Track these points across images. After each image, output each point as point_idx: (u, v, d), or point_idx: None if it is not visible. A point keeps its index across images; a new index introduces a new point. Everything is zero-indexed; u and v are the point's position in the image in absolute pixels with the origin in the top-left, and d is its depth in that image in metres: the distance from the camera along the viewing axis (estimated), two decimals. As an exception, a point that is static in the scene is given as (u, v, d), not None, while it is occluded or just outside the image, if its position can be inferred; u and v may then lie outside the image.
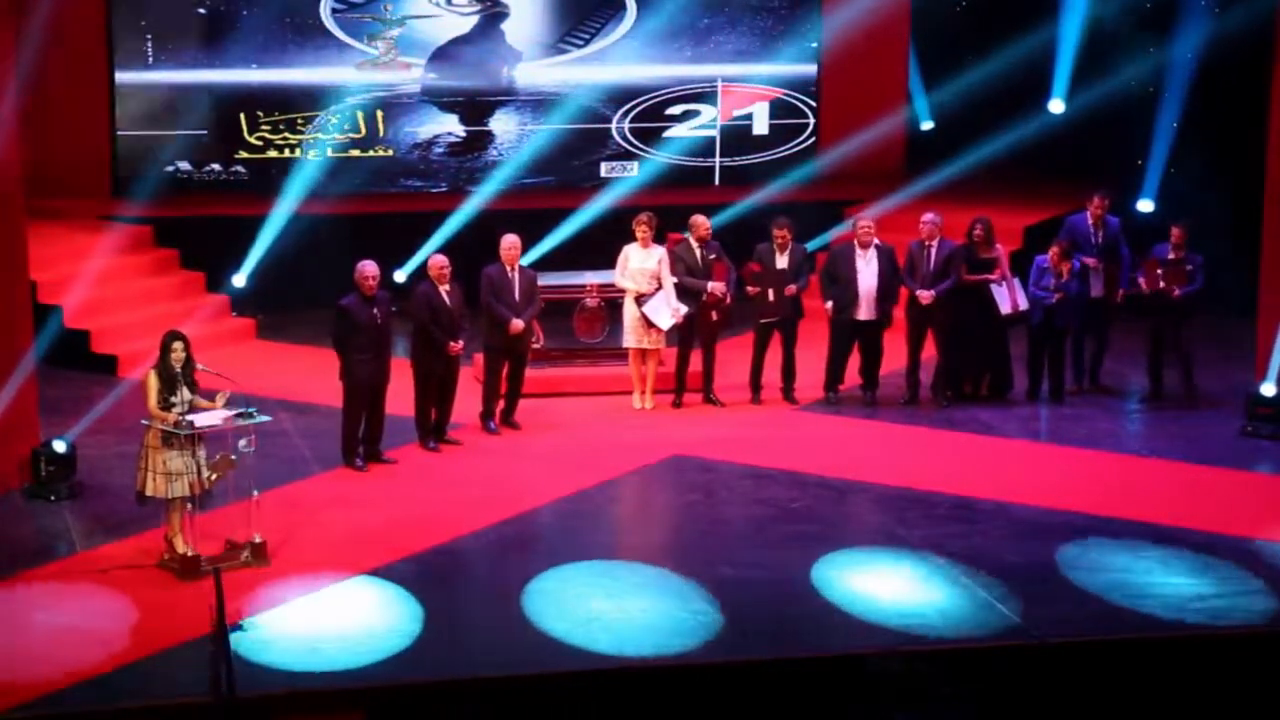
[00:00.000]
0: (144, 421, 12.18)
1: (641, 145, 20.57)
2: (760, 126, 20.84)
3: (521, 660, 11.02)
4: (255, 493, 12.28)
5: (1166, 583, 12.23)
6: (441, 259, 14.71)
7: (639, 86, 20.53)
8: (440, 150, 20.25)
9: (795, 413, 15.90)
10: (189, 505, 12.13)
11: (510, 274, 15.15)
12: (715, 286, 15.71)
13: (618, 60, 20.40)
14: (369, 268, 14.05)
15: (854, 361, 16.02)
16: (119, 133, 19.42)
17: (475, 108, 20.24)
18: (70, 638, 11.18)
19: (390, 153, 20.12)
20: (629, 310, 15.79)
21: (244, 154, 19.74)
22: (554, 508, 13.60)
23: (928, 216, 15.87)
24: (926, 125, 21.56)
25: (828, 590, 12.07)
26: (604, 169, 20.50)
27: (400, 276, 18.12)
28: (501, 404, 15.31)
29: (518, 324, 15.02)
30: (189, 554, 12.06)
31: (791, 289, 15.80)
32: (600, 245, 16.80)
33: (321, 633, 11.28)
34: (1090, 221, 16.30)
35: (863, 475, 14.25)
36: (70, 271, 16.93)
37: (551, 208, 18.97)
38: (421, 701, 10.74)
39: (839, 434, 15.37)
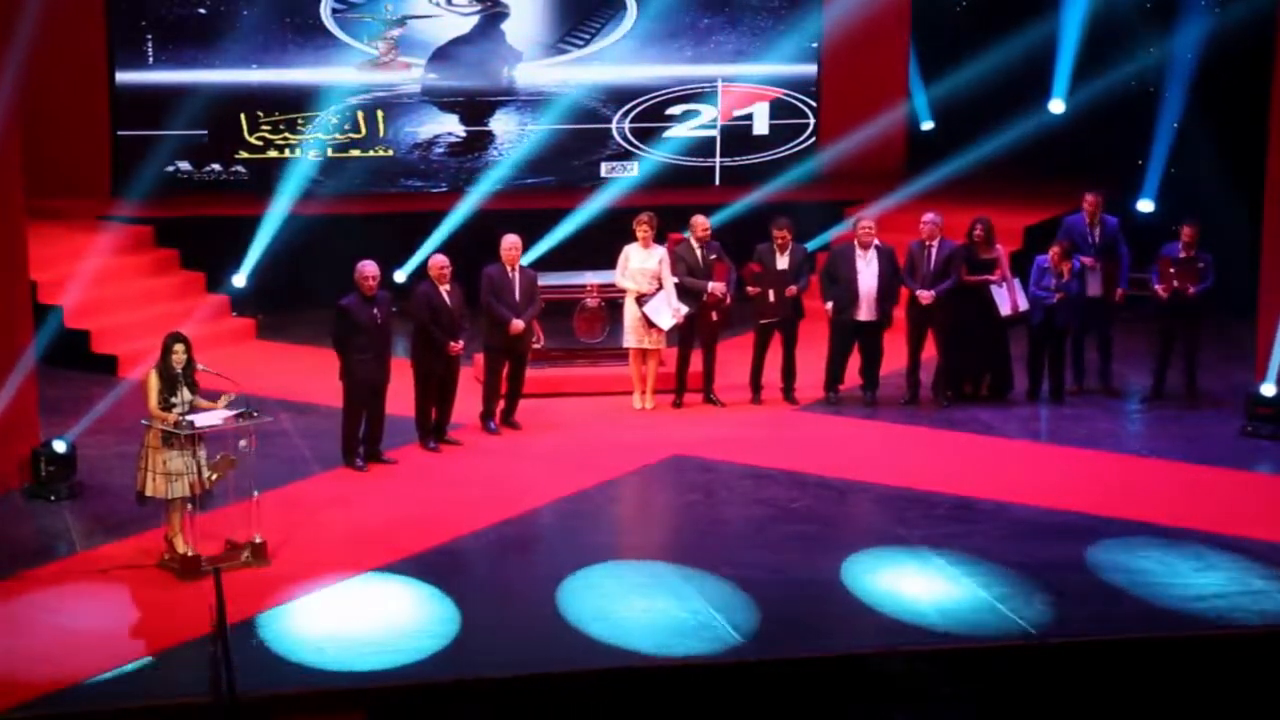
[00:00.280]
0: (144, 421, 12.18)
1: (641, 145, 20.57)
2: (760, 126, 20.84)
3: (520, 660, 11.02)
4: (255, 493, 12.28)
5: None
6: (442, 259, 14.71)
7: (639, 86, 20.53)
8: (440, 150, 20.26)
9: (795, 413, 15.90)
10: (189, 505, 12.13)
11: (510, 274, 15.15)
12: (715, 287, 15.71)
13: (618, 60, 20.40)
14: (369, 268, 14.06)
15: (854, 361, 16.02)
16: (119, 133, 19.42)
17: (475, 108, 20.24)
18: (70, 638, 11.18)
19: (390, 153, 20.13)
20: (629, 310, 15.79)
21: (244, 154, 19.74)
22: (554, 508, 13.60)
23: (928, 216, 15.87)
24: (927, 125, 21.56)
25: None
26: (604, 169, 20.50)
27: (400, 276, 18.13)
28: (502, 404, 15.31)
29: (518, 324, 15.02)
30: (189, 554, 12.06)
31: (792, 290, 15.80)
32: (600, 245, 16.80)
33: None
34: (1086, 220, 16.31)
35: (863, 475, 14.25)
36: (70, 271, 16.93)
37: (551, 208, 18.97)
38: (422, 701, 10.73)
39: (839, 434, 15.37)
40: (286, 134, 19.75)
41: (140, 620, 11.57)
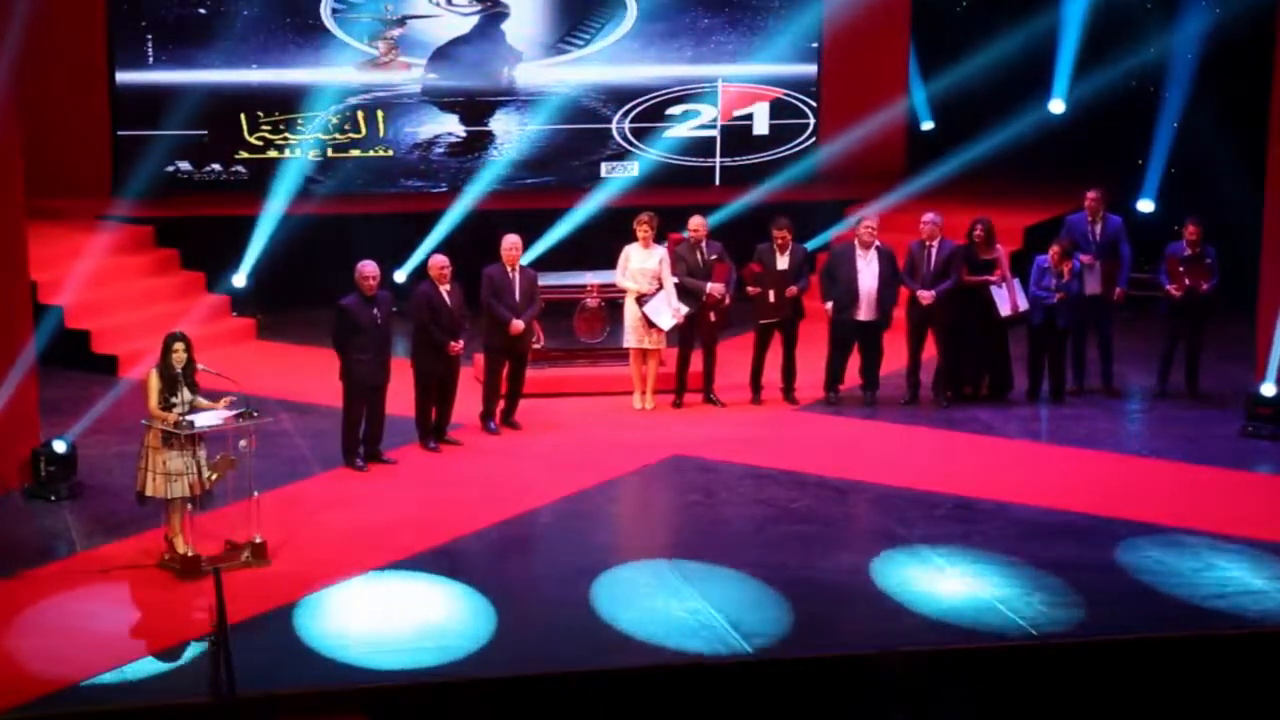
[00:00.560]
0: (144, 421, 12.18)
1: (641, 145, 20.56)
2: (760, 126, 20.84)
3: (520, 661, 11.02)
4: (255, 493, 12.28)
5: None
6: (442, 259, 14.71)
7: (639, 86, 20.53)
8: (440, 150, 20.25)
9: (795, 413, 15.90)
10: (189, 505, 12.13)
11: (511, 274, 15.15)
12: (714, 288, 15.71)
13: (618, 60, 20.40)
14: (369, 268, 14.06)
15: (854, 361, 16.02)
16: (119, 133, 19.41)
17: (475, 108, 20.24)
18: (70, 638, 11.18)
19: (390, 153, 20.12)
20: (630, 310, 15.79)
21: (244, 154, 19.74)
22: (554, 508, 13.59)
23: (928, 216, 15.87)
24: (927, 125, 21.56)
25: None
26: (604, 169, 20.50)
27: (400, 276, 18.13)
28: (502, 404, 15.31)
29: (518, 324, 15.02)
30: (189, 554, 12.06)
31: (792, 290, 15.80)
32: (600, 245, 16.80)
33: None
34: (1088, 217, 16.31)
35: (863, 475, 14.25)
36: (70, 271, 16.92)
37: (551, 208, 18.96)
38: (421, 701, 10.73)
39: (839, 434, 15.37)
40: (286, 134, 19.76)
41: (140, 620, 11.57)
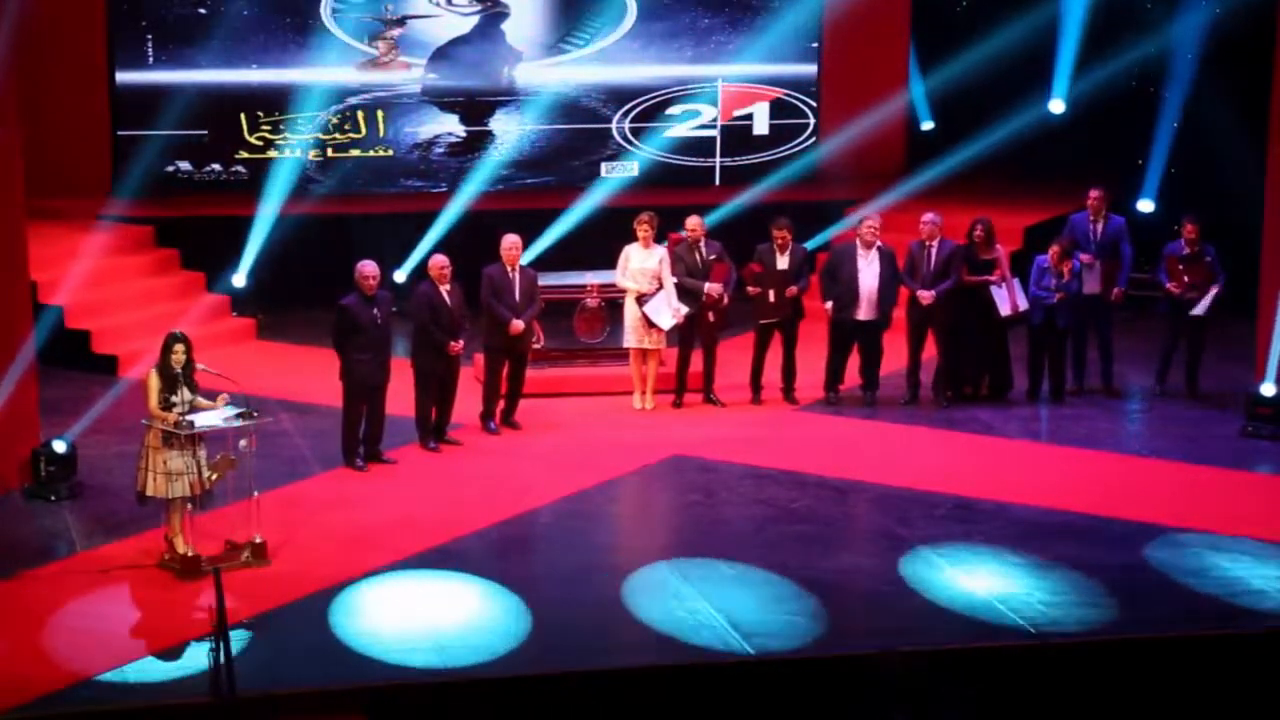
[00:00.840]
0: (144, 421, 12.18)
1: (641, 145, 20.56)
2: (760, 126, 20.84)
3: (520, 660, 11.03)
4: (255, 493, 12.28)
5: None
6: (442, 259, 14.71)
7: (639, 86, 20.52)
8: (440, 150, 20.25)
9: (795, 413, 15.90)
10: (189, 505, 12.13)
11: (511, 274, 15.14)
12: (711, 288, 15.71)
13: (618, 60, 20.39)
14: (369, 268, 14.06)
15: (854, 361, 16.02)
16: (119, 133, 19.41)
17: (475, 108, 20.24)
18: (70, 638, 11.18)
19: (390, 153, 20.12)
20: (630, 310, 15.78)
21: (244, 154, 19.73)
22: (554, 508, 13.59)
23: (928, 216, 15.87)
24: (927, 125, 21.55)
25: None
26: (604, 169, 20.49)
27: (400, 276, 18.13)
28: (502, 404, 15.31)
29: (518, 324, 15.02)
30: (189, 554, 12.06)
31: (792, 290, 15.80)
32: (600, 245, 16.79)
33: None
34: (1089, 216, 16.31)
35: (863, 475, 14.25)
36: (70, 271, 16.92)
37: (551, 208, 18.96)
38: (421, 701, 10.73)
39: (839, 434, 15.37)
40: (286, 134, 19.75)
41: (140, 620, 11.57)
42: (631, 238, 15.80)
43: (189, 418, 12.00)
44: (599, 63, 20.38)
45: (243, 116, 19.65)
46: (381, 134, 20.03)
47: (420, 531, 12.92)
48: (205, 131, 19.61)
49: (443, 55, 20.05)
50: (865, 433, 15.42)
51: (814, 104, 20.90)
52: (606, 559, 12.81)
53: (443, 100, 20.16)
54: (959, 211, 17.25)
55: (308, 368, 16.63)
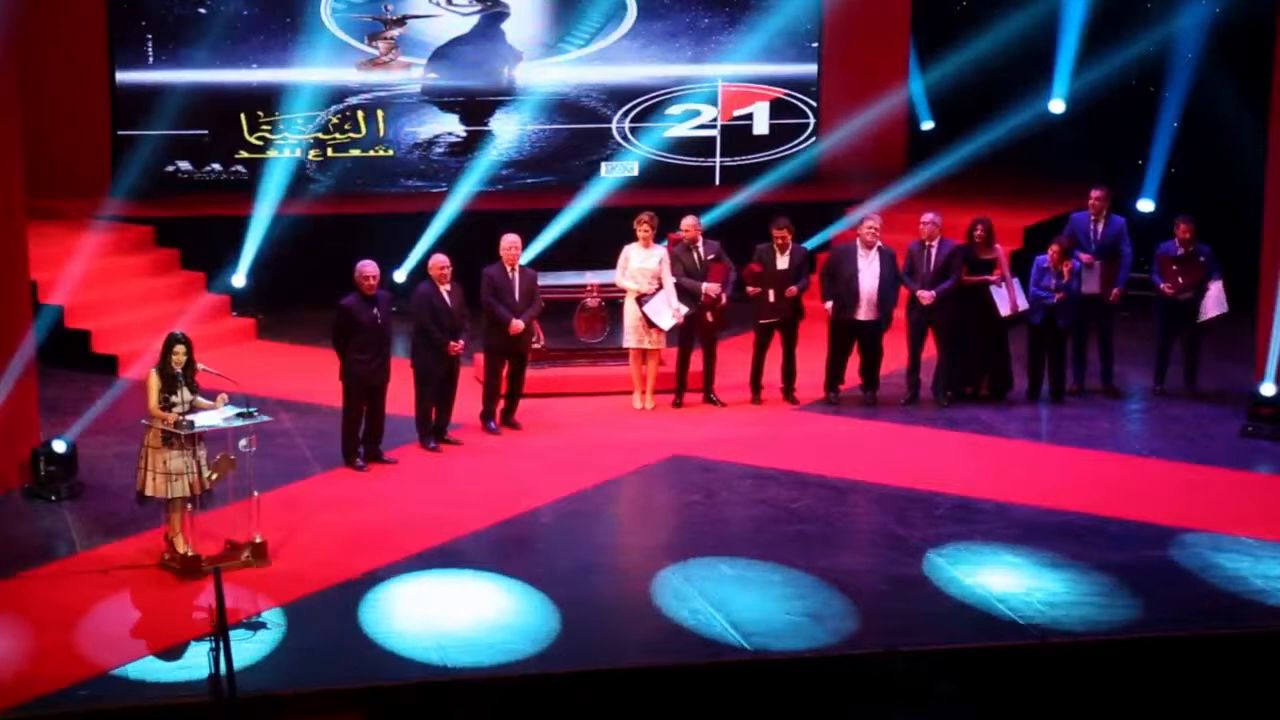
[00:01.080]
0: (144, 421, 12.18)
1: (641, 145, 20.56)
2: (760, 126, 20.84)
3: (520, 660, 11.03)
4: (255, 493, 12.28)
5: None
6: (442, 259, 14.71)
7: (639, 86, 20.52)
8: (440, 150, 20.25)
9: (795, 413, 15.90)
10: (189, 505, 12.13)
11: (510, 274, 15.15)
12: (709, 288, 15.71)
13: (618, 60, 20.39)
14: (369, 267, 14.06)
15: (854, 361, 16.02)
16: (119, 133, 19.41)
17: (475, 108, 20.24)
18: (70, 638, 11.18)
19: (390, 153, 20.12)
20: (630, 310, 15.78)
21: (244, 154, 19.73)
22: (554, 508, 13.59)
23: (928, 216, 15.87)
24: (927, 125, 21.55)
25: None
26: (604, 169, 20.49)
27: (400, 276, 18.13)
28: (502, 404, 15.31)
29: (518, 324, 15.02)
30: (189, 554, 12.06)
31: (792, 290, 15.79)
32: (600, 245, 16.80)
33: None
34: (1091, 216, 16.32)
35: (863, 475, 14.26)
36: (70, 272, 16.92)
37: (551, 207, 18.96)
38: (421, 701, 10.73)
39: (839, 434, 15.37)
40: (286, 134, 19.75)
41: (140, 620, 11.57)
42: (631, 237, 15.80)
43: (189, 418, 12.00)
44: (599, 63, 20.38)
45: (243, 116, 19.65)
46: (381, 134, 20.02)
47: (420, 531, 12.92)
48: (205, 131, 19.61)
49: (443, 55, 20.05)
50: (865, 433, 15.42)
51: (814, 104, 20.89)
52: (606, 559, 12.81)
53: (443, 100, 20.16)
54: (959, 211, 17.26)
55: (308, 368, 16.63)
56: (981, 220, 16.01)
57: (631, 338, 15.82)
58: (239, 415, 12.20)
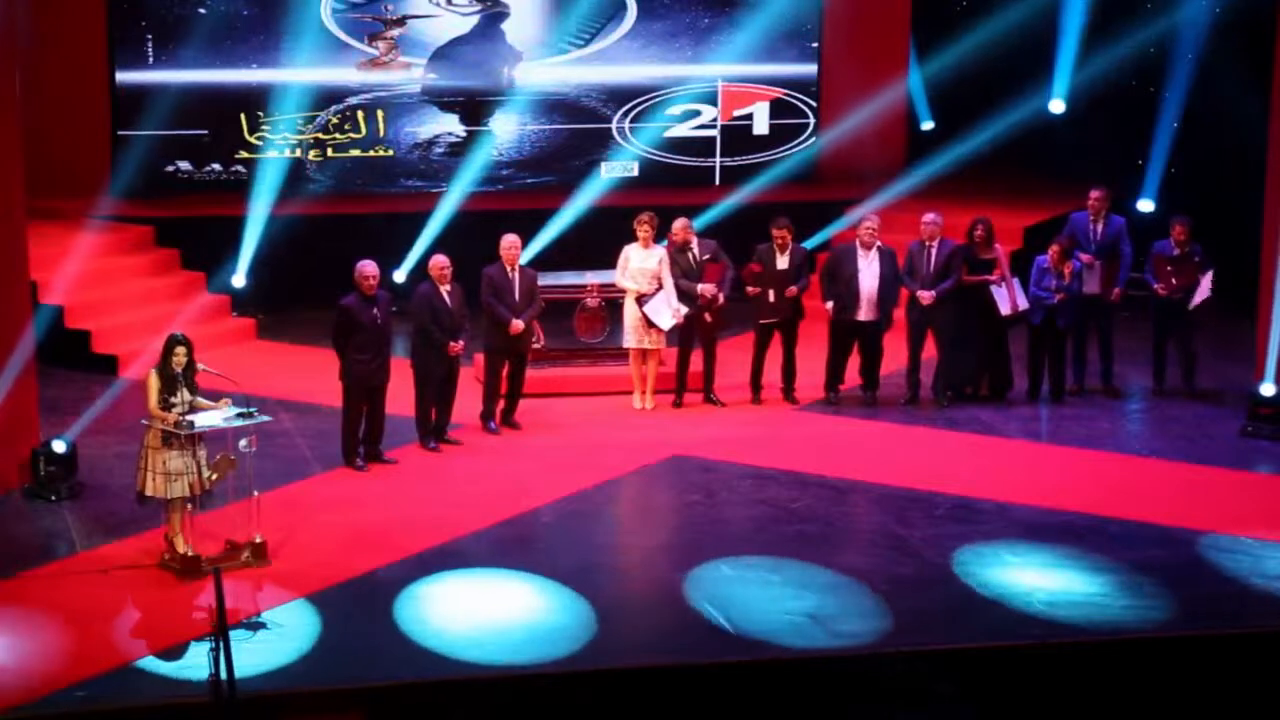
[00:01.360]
0: (144, 421, 12.18)
1: (641, 145, 20.56)
2: (760, 126, 20.84)
3: (519, 660, 11.03)
4: (255, 493, 12.28)
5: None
6: (443, 259, 14.71)
7: (639, 86, 20.52)
8: (440, 150, 20.24)
9: (795, 413, 15.90)
10: (189, 505, 12.13)
11: (510, 274, 15.15)
12: (705, 288, 15.71)
13: (618, 60, 20.39)
14: (368, 267, 14.06)
15: (854, 361, 16.02)
16: (119, 133, 19.41)
17: (475, 108, 20.24)
18: (70, 638, 11.18)
19: (390, 153, 20.12)
20: (629, 310, 15.79)
21: (244, 154, 19.73)
22: (554, 508, 13.59)
23: (929, 217, 15.87)
24: (927, 125, 21.55)
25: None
26: (604, 169, 20.49)
27: (400, 276, 18.13)
28: (502, 404, 15.31)
29: (518, 324, 15.02)
30: (189, 554, 12.06)
31: (792, 290, 15.79)
32: (600, 245, 16.80)
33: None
34: (1090, 216, 16.32)
35: (863, 475, 14.26)
36: (70, 272, 16.92)
37: (551, 207, 18.96)
38: (421, 701, 10.73)
39: (839, 434, 15.37)
40: (286, 134, 19.75)
41: (140, 620, 11.57)
42: (631, 237, 15.80)
43: (189, 418, 12.00)
44: (599, 63, 20.37)
45: (243, 116, 19.65)
46: (381, 134, 20.02)
47: (420, 531, 12.92)
48: (205, 131, 19.61)
49: (443, 55, 20.05)
50: (865, 433, 15.42)
51: (814, 104, 20.89)
52: (606, 559, 12.81)
53: (443, 100, 20.16)
54: (959, 211, 17.26)
55: (308, 368, 16.63)
56: (981, 220, 16.01)
57: (631, 338, 15.82)
58: (239, 415, 12.20)
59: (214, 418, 12.15)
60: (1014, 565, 12.49)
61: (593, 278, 16.49)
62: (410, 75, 19.98)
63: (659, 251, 15.78)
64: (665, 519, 13.94)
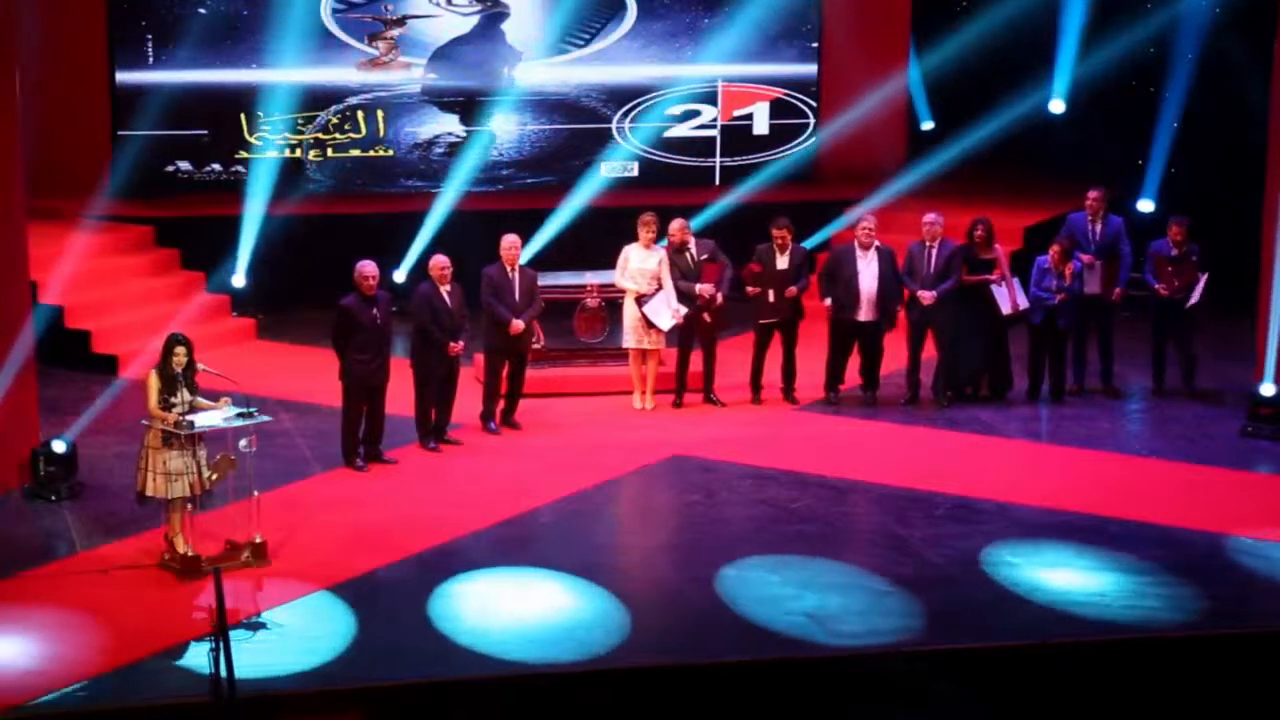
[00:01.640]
0: (144, 421, 12.18)
1: (641, 145, 20.56)
2: (760, 126, 20.84)
3: (521, 660, 11.03)
4: (255, 493, 12.28)
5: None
6: (443, 259, 14.71)
7: (639, 86, 20.52)
8: (440, 150, 20.25)
9: (795, 413, 15.90)
10: (189, 505, 12.13)
11: (510, 274, 15.15)
12: (703, 289, 15.71)
13: (618, 60, 20.39)
14: (368, 268, 14.06)
15: (854, 361, 16.02)
16: (119, 133, 19.41)
17: (475, 108, 20.24)
18: (70, 638, 11.18)
19: (390, 153, 20.12)
20: (629, 310, 15.79)
21: (244, 154, 19.73)
22: (554, 508, 13.59)
23: (930, 217, 15.87)
24: (927, 125, 21.54)
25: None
26: (604, 169, 20.49)
27: (400, 276, 18.13)
28: (502, 404, 15.31)
29: (518, 324, 15.02)
30: (189, 554, 12.06)
31: (792, 290, 15.79)
32: (600, 245, 16.79)
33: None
34: (1088, 217, 16.32)
35: (863, 475, 14.26)
36: (70, 272, 16.92)
37: (550, 207, 18.96)
38: (421, 701, 10.73)
39: (839, 434, 15.37)
40: (286, 134, 19.75)
41: (140, 620, 11.56)
42: (632, 237, 15.80)
43: (189, 418, 11.99)
44: (599, 63, 20.38)
45: (242, 116, 19.65)
46: (381, 134, 20.02)
47: (420, 531, 12.92)
48: (205, 131, 19.61)
49: (443, 55, 20.05)
50: (865, 433, 15.42)
51: (814, 104, 20.89)
52: (606, 559, 12.80)
53: (443, 100, 20.16)
54: (959, 211, 17.25)
55: (308, 368, 16.62)
56: (981, 220, 16.01)
57: (631, 338, 15.82)
58: (239, 415, 12.20)
59: (214, 418, 12.15)
60: (1014, 565, 12.49)
61: (592, 278, 16.49)
62: (410, 75, 19.98)
63: (659, 252, 15.78)
64: (665, 519, 13.94)
